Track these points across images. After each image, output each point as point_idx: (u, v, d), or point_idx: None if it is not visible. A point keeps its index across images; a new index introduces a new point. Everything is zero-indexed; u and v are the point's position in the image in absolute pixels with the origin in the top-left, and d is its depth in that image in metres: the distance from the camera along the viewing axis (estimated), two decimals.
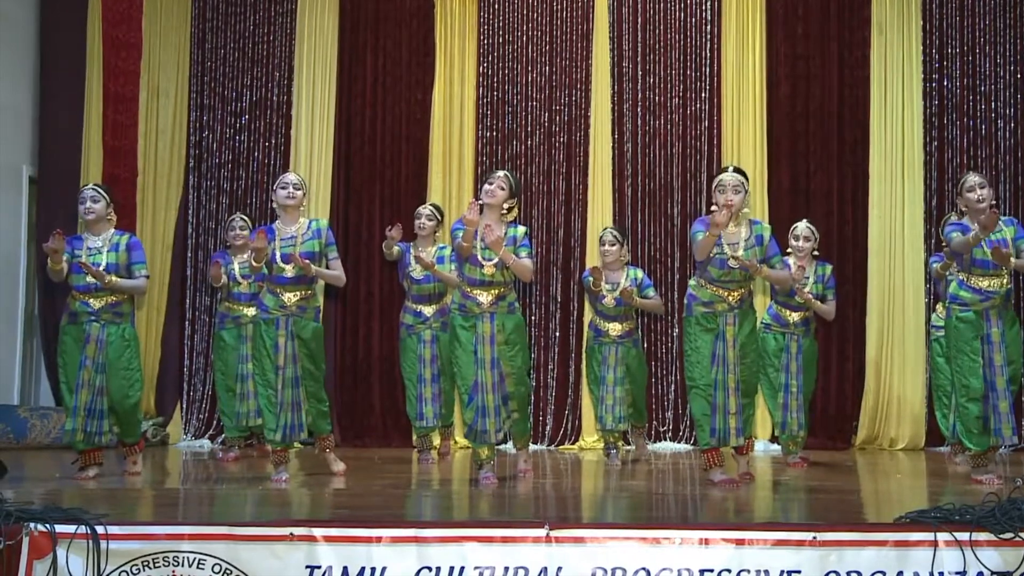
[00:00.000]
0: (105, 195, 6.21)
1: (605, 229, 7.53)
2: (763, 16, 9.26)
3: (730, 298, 5.76)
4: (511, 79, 9.42)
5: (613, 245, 7.28)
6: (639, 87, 9.33)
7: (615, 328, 7.27)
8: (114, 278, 6.03)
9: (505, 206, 5.87)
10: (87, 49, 9.05)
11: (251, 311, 7.43)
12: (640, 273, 7.38)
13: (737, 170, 5.84)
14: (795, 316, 7.18)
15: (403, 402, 8.92)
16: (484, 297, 5.85)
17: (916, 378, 8.88)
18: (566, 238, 9.27)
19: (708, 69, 9.31)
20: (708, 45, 9.33)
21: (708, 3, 9.34)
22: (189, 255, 9.43)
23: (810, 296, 7.04)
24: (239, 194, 9.45)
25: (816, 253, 7.23)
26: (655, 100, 9.33)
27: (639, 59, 9.35)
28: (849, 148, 9.24)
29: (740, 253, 5.67)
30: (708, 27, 9.34)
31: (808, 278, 7.16)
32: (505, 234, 5.84)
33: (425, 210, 7.55)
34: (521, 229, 5.95)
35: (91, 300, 6.09)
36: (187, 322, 9.39)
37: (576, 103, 9.38)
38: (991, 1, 9.15)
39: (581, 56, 9.40)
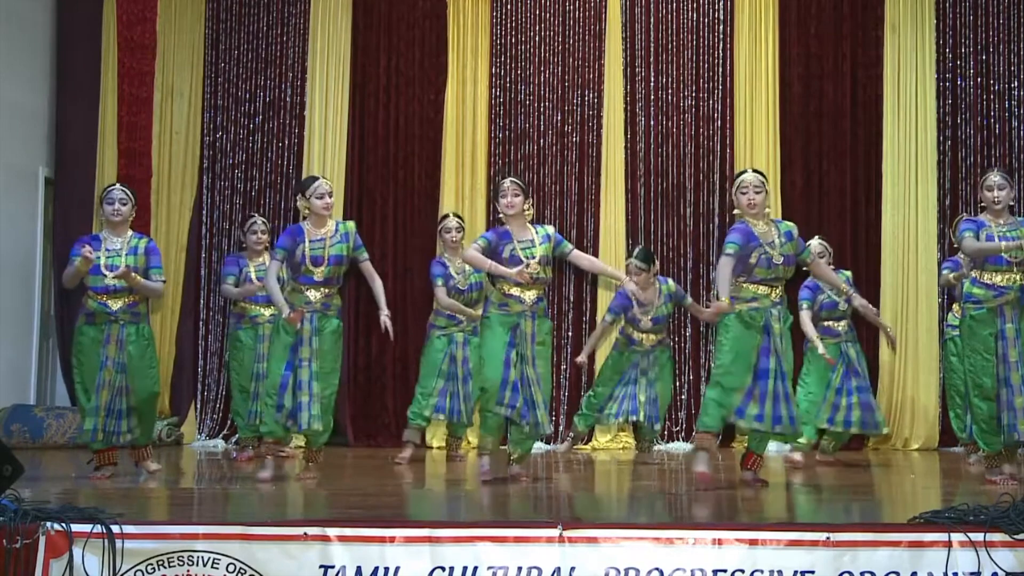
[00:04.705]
0: (132, 197, 6.32)
1: (629, 260, 7.51)
2: (776, 15, 9.24)
3: (772, 295, 5.79)
4: (524, 79, 9.42)
5: (639, 274, 7.34)
6: (652, 87, 9.32)
7: (650, 339, 7.43)
8: (139, 277, 6.08)
9: (526, 208, 5.98)
10: (102, 50, 9.09)
11: (268, 311, 7.47)
12: (673, 284, 7.52)
13: (756, 170, 6.01)
14: (843, 325, 7.35)
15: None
16: (528, 296, 5.92)
17: (930, 378, 8.86)
18: (579, 238, 9.26)
19: (721, 69, 9.30)
20: (721, 45, 9.32)
21: (721, 3, 9.32)
22: (203, 255, 9.45)
23: (864, 302, 6.96)
24: (253, 195, 9.48)
25: (830, 264, 7.27)
26: (668, 100, 9.32)
27: (652, 59, 9.34)
28: (862, 148, 9.22)
29: (778, 251, 5.73)
30: (721, 27, 9.32)
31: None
32: (537, 234, 6.00)
33: (453, 223, 7.55)
34: (549, 228, 6.11)
35: (109, 301, 6.13)
36: (201, 322, 9.42)
37: (589, 103, 9.38)
38: (1005, 0, 9.12)
39: (594, 56, 9.40)
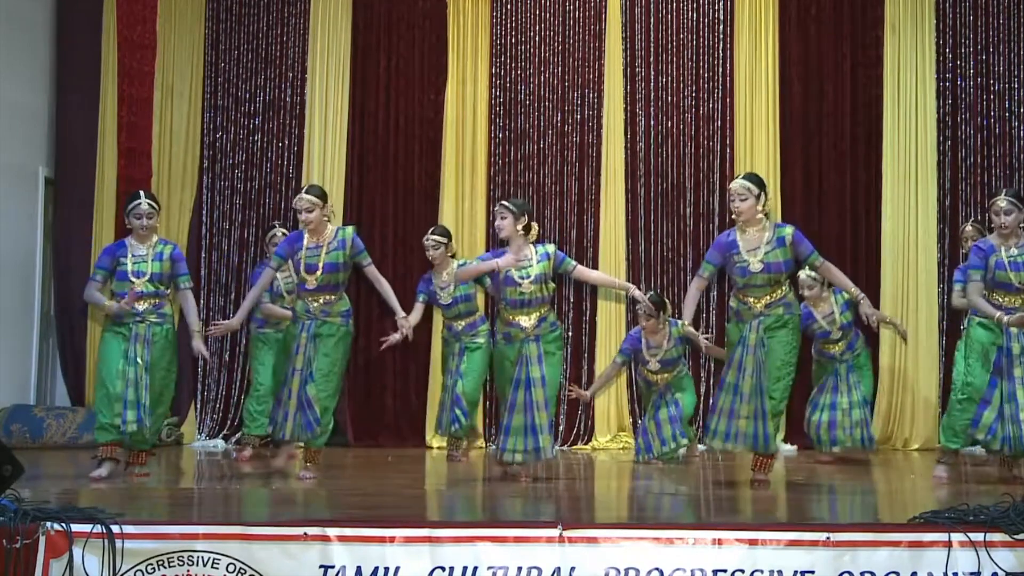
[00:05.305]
0: (157, 208, 6.38)
1: (639, 304, 7.37)
2: (776, 16, 9.23)
3: (757, 305, 5.77)
4: (524, 79, 9.42)
5: (650, 319, 7.44)
6: (652, 87, 9.32)
7: (664, 378, 7.58)
8: (195, 328, 6.39)
9: (519, 228, 5.99)
10: (102, 50, 9.09)
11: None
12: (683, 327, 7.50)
13: (748, 176, 5.96)
14: (839, 348, 7.50)
15: (417, 403, 9.03)
16: (527, 321, 5.99)
17: (929, 378, 8.86)
18: (579, 238, 9.27)
19: (721, 69, 9.29)
20: (721, 45, 9.31)
21: (721, 3, 9.32)
22: (203, 255, 9.44)
23: (870, 311, 6.72)
24: (252, 195, 9.47)
25: (823, 293, 7.44)
26: (668, 100, 9.32)
27: (652, 59, 9.34)
28: (862, 148, 9.21)
29: (760, 257, 5.72)
30: (721, 27, 9.32)
31: (832, 313, 7.42)
32: (536, 252, 6.03)
33: (429, 241, 7.55)
34: (550, 246, 6.13)
35: (136, 303, 6.20)
36: (201, 322, 9.40)
37: (589, 103, 9.38)
38: (1005, 0, 9.12)
39: (594, 56, 9.39)
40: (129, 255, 6.24)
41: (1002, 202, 5.96)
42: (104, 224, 8.94)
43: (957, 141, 9.11)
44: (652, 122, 9.31)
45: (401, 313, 6.33)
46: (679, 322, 7.55)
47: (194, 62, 9.52)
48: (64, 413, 8.47)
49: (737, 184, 5.83)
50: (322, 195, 6.20)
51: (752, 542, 3.75)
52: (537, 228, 6.18)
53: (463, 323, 7.47)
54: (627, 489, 6.25)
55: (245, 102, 9.54)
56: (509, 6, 9.44)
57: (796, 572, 3.72)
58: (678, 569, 3.73)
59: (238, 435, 8.44)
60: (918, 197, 9.00)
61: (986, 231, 7.16)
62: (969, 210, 8.84)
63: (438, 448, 8.68)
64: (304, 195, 6.15)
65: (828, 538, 3.75)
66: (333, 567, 3.80)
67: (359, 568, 3.79)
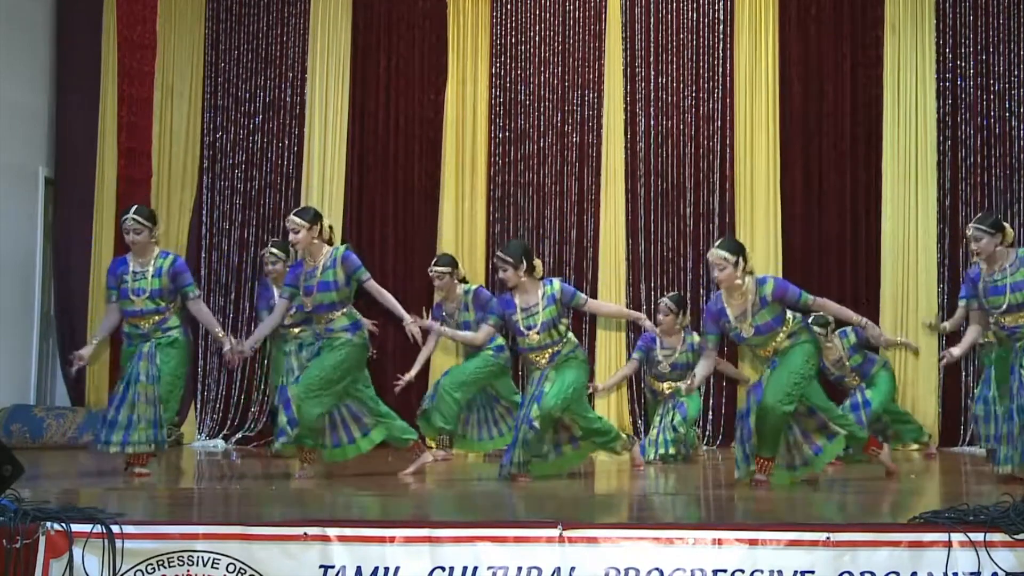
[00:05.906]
0: (147, 224, 6.19)
1: (661, 299, 7.82)
2: (776, 16, 9.24)
3: (765, 353, 5.81)
4: (524, 79, 9.43)
5: (667, 315, 7.53)
6: (652, 87, 9.33)
7: (669, 387, 7.62)
8: (221, 330, 6.40)
9: (522, 275, 5.99)
10: (102, 50, 9.10)
11: (296, 329, 7.46)
12: (698, 338, 7.44)
13: (724, 244, 5.79)
14: (855, 382, 7.77)
15: (417, 404, 9.02)
16: (542, 359, 6.09)
17: (929, 379, 8.86)
18: (579, 238, 9.28)
19: (721, 69, 9.30)
20: (721, 45, 9.32)
21: (721, 3, 9.32)
22: (203, 256, 9.45)
23: (875, 333, 6.59)
24: (253, 195, 9.48)
25: (831, 339, 7.57)
26: (668, 100, 9.33)
27: (652, 59, 9.35)
28: (862, 148, 9.22)
29: (749, 322, 5.68)
30: (721, 27, 9.33)
31: (841, 359, 7.68)
32: (543, 295, 5.99)
33: (432, 272, 7.52)
34: (556, 284, 6.07)
35: (141, 323, 6.21)
36: (200, 323, 9.40)
37: (589, 103, 9.38)
38: (1005, 0, 9.12)
39: (594, 56, 9.40)
40: (130, 271, 6.19)
41: (969, 230, 5.90)
42: (104, 224, 8.94)
43: (957, 141, 9.11)
44: (652, 122, 9.32)
45: (408, 317, 6.11)
46: (696, 333, 7.57)
47: (194, 62, 9.53)
48: (64, 413, 8.48)
49: (713, 255, 5.68)
50: (313, 218, 6.05)
51: (752, 542, 3.75)
52: (541, 264, 6.15)
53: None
54: (627, 489, 6.25)
55: (245, 102, 9.55)
56: (509, 6, 9.44)
57: (796, 572, 3.72)
58: (678, 569, 3.73)
59: (239, 435, 8.42)
60: (918, 197, 9.01)
61: None
62: (969, 210, 8.84)
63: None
64: (291, 216, 6.09)
65: (828, 538, 3.75)
66: (333, 567, 3.79)
67: (359, 568, 3.79)
